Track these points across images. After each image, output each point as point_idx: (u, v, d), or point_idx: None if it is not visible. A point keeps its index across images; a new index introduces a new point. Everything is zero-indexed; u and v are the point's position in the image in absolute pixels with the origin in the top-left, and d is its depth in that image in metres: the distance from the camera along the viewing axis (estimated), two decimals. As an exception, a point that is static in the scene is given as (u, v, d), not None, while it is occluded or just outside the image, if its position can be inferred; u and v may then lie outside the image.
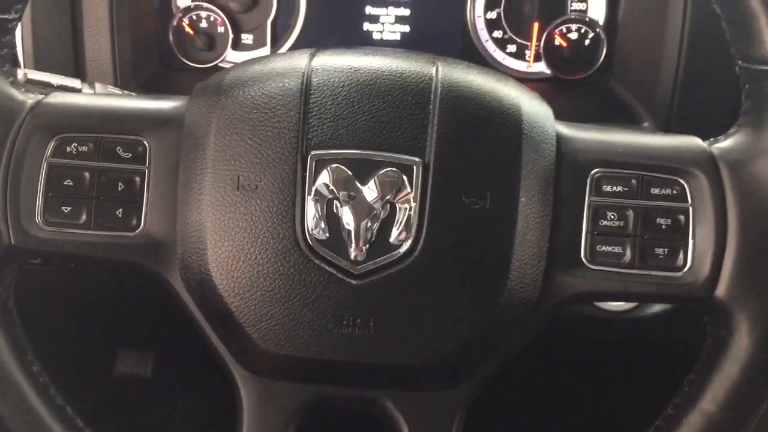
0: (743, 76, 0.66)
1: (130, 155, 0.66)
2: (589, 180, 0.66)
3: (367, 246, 0.62)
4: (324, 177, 0.63)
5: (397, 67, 0.66)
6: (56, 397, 0.67)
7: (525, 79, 1.15)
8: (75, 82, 0.84)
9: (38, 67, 1.00)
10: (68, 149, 0.65)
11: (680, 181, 0.65)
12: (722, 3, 0.65)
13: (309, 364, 0.65)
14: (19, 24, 0.69)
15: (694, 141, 0.68)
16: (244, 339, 0.64)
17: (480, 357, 0.66)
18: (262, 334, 0.63)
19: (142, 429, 1.46)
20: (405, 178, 0.63)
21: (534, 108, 0.68)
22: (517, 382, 1.00)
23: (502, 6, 1.12)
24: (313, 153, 0.63)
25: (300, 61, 0.67)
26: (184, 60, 1.14)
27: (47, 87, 0.82)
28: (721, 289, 0.64)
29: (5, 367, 0.65)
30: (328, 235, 0.63)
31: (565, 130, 0.68)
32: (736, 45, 0.66)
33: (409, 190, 0.63)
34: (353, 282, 0.62)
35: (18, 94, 0.67)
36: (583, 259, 0.65)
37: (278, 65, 0.68)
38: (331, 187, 0.63)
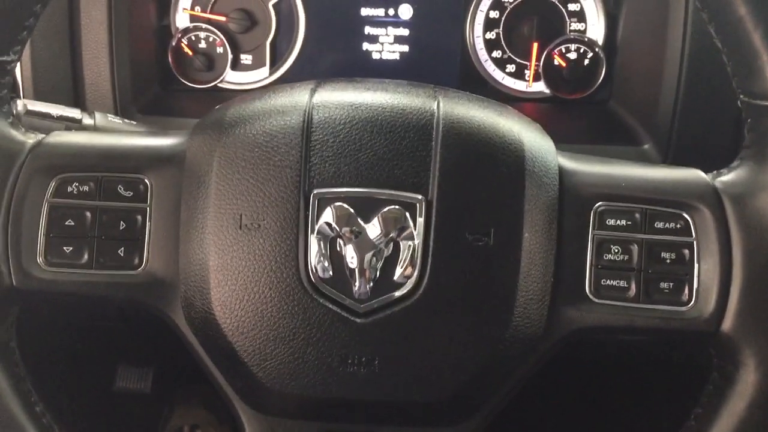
0: (745, 110, 0.66)
1: (131, 193, 0.66)
2: (592, 214, 0.66)
3: (371, 284, 0.62)
4: (327, 215, 0.62)
5: (399, 103, 0.66)
6: None
7: (524, 99, 1.14)
8: (75, 112, 0.84)
9: (37, 92, 0.99)
10: (69, 189, 0.65)
11: (684, 215, 0.65)
12: (724, 38, 0.65)
13: (314, 403, 0.64)
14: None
15: (698, 174, 0.68)
16: (248, 378, 0.64)
17: (485, 393, 0.66)
18: (266, 372, 0.63)
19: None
20: (408, 215, 0.62)
21: (536, 142, 0.67)
22: (518, 402, 1.00)
23: (502, 26, 1.12)
24: (315, 191, 0.63)
25: (301, 96, 0.67)
26: (184, 81, 1.13)
27: (47, 117, 0.81)
28: (727, 324, 0.64)
29: (8, 409, 0.64)
30: (331, 273, 0.62)
31: (568, 163, 0.68)
32: (737, 79, 0.66)
33: (412, 227, 0.62)
34: (357, 320, 0.62)
35: (18, 135, 0.67)
36: (588, 294, 0.65)
37: (279, 102, 0.67)
38: (334, 225, 0.62)
